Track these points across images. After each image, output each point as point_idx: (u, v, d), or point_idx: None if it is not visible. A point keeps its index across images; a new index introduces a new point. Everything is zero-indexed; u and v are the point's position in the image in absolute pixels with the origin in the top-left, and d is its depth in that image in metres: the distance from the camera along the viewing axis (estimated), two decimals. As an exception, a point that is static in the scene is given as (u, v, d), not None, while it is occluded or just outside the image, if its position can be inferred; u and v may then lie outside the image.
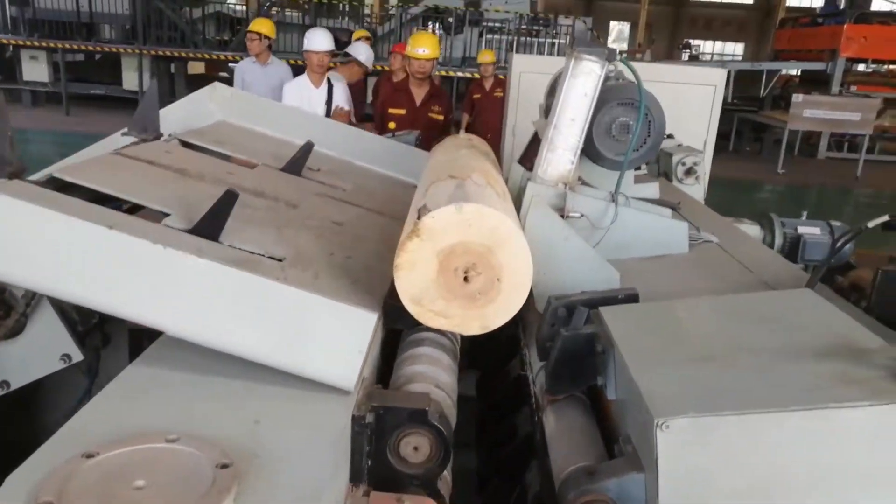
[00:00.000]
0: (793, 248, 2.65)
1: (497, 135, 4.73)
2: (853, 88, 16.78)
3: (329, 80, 5.26)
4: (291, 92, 5.19)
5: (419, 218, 1.36)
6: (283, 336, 1.34)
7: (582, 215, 1.86)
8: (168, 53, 14.49)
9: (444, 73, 12.64)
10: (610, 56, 1.74)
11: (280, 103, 4.59)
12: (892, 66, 16.81)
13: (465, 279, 1.37)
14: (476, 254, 1.36)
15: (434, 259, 1.36)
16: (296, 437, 1.23)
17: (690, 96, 4.21)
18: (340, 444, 1.24)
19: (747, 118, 16.15)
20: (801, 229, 2.65)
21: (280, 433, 1.23)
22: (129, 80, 14.78)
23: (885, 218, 1.51)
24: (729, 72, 15.33)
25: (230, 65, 12.21)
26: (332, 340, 1.35)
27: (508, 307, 1.41)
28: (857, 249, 2.63)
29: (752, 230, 2.66)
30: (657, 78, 3.22)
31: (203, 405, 1.29)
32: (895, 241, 1.48)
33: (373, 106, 7.09)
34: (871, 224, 1.54)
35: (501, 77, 7.51)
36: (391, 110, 4.89)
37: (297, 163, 2.40)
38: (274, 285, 1.34)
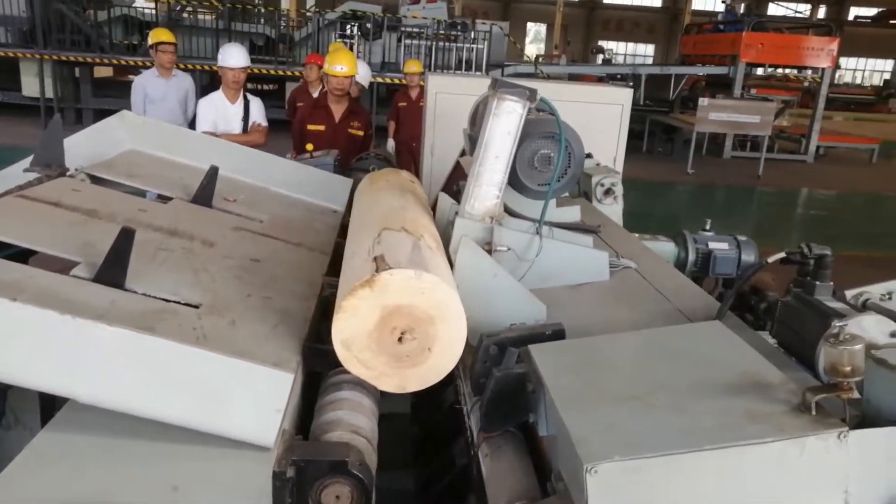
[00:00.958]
0: (704, 263, 2.80)
1: (421, 143, 4.75)
2: (753, 91, 17.86)
3: (245, 96, 5.12)
4: (206, 108, 5.01)
5: (377, 270, 1.36)
6: (200, 398, 1.30)
7: (509, 248, 1.90)
8: (72, 58, 13.69)
9: (364, 78, 12.51)
10: (531, 97, 1.78)
11: (192, 131, 4.42)
12: (787, 71, 17.98)
13: (400, 339, 1.39)
14: (418, 320, 1.39)
15: (377, 312, 1.38)
16: (215, 501, 1.20)
17: (600, 114, 4.35)
18: (261, 502, 1.22)
19: (659, 120, 16.87)
20: (712, 245, 2.80)
21: (199, 498, 1.20)
22: (29, 86, 13.88)
23: (783, 254, 1.64)
24: (640, 75, 15.95)
25: (141, 69, 11.63)
26: (250, 400, 1.32)
27: (428, 377, 1.45)
28: (760, 249, 2.82)
29: (667, 247, 2.79)
30: (569, 98, 3.34)
31: (120, 473, 1.24)
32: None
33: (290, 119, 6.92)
34: (770, 259, 1.67)
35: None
36: (310, 127, 4.81)
37: (206, 191, 2.32)
38: (188, 350, 1.30)
